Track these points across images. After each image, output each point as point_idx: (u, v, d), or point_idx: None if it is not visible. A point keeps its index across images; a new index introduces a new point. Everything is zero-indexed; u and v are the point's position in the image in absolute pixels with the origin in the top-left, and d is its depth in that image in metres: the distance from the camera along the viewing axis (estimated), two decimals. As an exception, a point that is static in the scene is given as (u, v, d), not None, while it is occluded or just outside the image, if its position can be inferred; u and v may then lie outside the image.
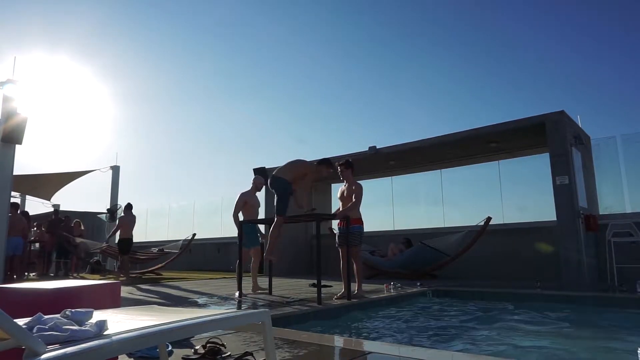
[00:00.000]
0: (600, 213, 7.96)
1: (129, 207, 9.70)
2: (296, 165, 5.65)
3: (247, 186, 6.83)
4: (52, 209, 14.33)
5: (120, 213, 13.80)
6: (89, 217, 16.21)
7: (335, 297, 5.24)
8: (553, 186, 7.17)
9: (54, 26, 26.00)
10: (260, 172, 11.42)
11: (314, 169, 5.68)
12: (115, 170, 13.92)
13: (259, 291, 6.17)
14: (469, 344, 3.38)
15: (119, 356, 1.90)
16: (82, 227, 12.04)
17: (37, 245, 12.04)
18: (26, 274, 10.48)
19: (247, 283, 6.31)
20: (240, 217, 6.56)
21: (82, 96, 26.74)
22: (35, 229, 12.31)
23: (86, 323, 1.06)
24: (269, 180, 5.71)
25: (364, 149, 9.87)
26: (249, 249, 6.51)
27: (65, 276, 10.75)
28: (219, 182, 29.39)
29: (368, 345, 2.83)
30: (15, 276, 9.56)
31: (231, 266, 7.39)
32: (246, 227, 6.32)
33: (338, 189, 6.24)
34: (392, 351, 2.72)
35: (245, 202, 6.57)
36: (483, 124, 8.26)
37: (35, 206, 15.60)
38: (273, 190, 5.55)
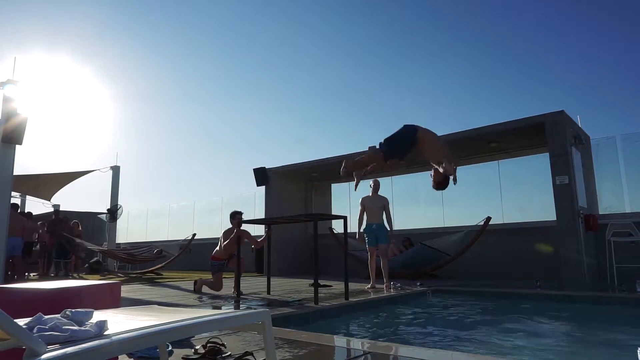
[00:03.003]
0: (600, 213, 7.97)
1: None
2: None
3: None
4: (52, 209, 14.33)
5: (121, 213, 13.83)
6: (89, 218, 16.22)
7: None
8: (553, 186, 7.17)
9: (54, 26, 25.99)
10: (260, 172, 11.46)
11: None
12: (116, 170, 13.90)
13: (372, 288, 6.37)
14: (468, 344, 3.38)
15: (119, 356, 1.90)
16: (80, 228, 12.05)
17: (37, 245, 12.03)
18: (26, 274, 10.47)
19: (248, 283, 6.32)
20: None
21: (82, 96, 26.74)
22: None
23: (86, 323, 1.06)
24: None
25: (364, 149, 9.86)
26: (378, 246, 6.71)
27: (65, 276, 10.75)
28: (219, 182, 29.34)
29: (368, 345, 2.83)
30: (16, 276, 9.56)
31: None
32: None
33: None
34: (392, 351, 2.72)
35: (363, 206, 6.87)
36: (483, 124, 8.26)
37: (36, 206, 15.60)
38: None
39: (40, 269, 11.68)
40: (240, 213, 6.47)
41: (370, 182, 6.98)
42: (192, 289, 6.47)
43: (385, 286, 6.35)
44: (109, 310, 1.45)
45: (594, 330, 4.02)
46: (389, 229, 6.74)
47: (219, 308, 4.74)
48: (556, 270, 7.15)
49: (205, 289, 6.38)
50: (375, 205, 6.75)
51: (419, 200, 11.49)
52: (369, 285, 6.44)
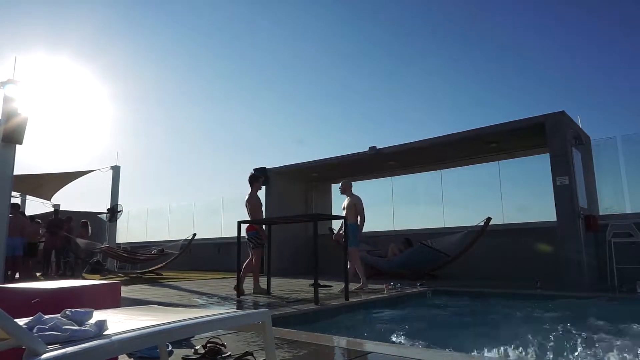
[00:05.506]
0: (601, 213, 7.96)
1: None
2: None
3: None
4: (52, 209, 14.32)
5: (121, 214, 13.84)
6: (89, 218, 16.21)
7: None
8: (553, 186, 7.17)
9: (55, 27, 26.03)
10: (260, 172, 11.45)
11: None
12: (116, 170, 13.90)
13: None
14: (468, 344, 3.38)
15: (119, 356, 1.90)
16: (89, 228, 12.10)
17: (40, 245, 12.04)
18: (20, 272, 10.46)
19: (248, 283, 6.31)
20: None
21: (83, 96, 26.75)
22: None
23: (86, 323, 1.06)
24: None
25: (364, 149, 9.87)
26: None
27: (73, 276, 10.75)
28: (219, 182, 29.39)
29: (368, 345, 2.83)
30: (17, 276, 9.56)
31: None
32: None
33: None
34: (392, 351, 2.72)
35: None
36: (483, 125, 8.26)
37: (36, 206, 15.59)
38: None
39: (44, 268, 11.70)
40: (262, 177, 6.72)
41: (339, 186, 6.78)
42: (235, 290, 5.87)
43: (356, 288, 6.14)
44: (108, 310, 1.45)
45: (594, 331, 4.02)
46: (358, 230, 6.45)
47: (219, 308, 4.74)
48: (556, 271, 7.15)
49: (211, 289, 6.34)
50: (347, 205, 6.56)
51: (419, 200, 11.50)
52: (358, 286, 6.30)
